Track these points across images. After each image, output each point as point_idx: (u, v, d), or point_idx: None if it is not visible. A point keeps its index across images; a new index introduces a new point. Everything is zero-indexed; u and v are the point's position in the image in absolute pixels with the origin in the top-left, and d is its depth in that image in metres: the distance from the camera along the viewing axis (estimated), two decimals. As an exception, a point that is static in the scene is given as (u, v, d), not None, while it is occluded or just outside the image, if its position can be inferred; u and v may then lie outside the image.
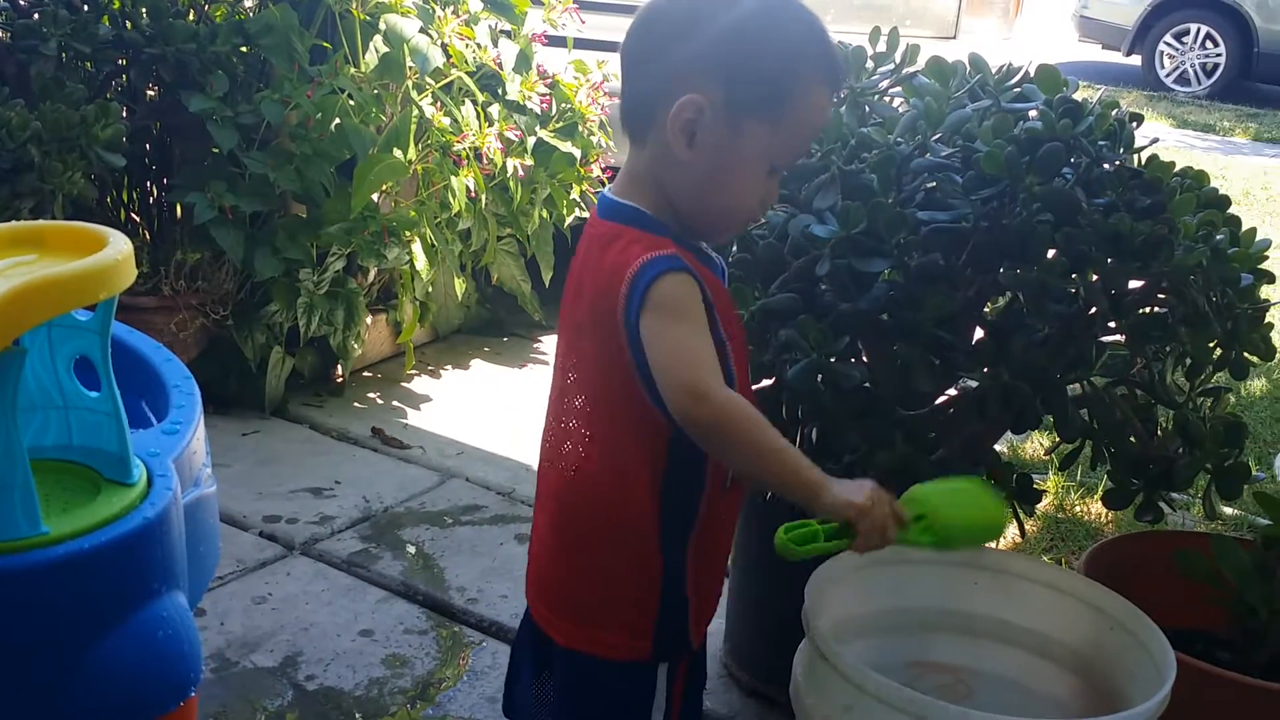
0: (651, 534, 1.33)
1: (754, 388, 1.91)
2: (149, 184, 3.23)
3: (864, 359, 1.78)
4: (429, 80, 3.06)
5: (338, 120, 2.92)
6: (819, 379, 1.67)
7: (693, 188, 1.31)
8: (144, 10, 2.94)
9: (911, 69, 1.91)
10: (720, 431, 1.24)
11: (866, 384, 1.71)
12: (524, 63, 3.32)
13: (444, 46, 3.06)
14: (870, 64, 1.93)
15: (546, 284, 3.62)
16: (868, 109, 1.89)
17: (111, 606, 1.06)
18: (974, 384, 1.67)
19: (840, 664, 1.43)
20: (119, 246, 1.09)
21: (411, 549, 2.50)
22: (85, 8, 2.95)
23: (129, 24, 2.95)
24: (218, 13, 3.18)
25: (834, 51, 1.34)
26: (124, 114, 2.93)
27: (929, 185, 1.71)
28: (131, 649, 1.07)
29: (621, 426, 1.32)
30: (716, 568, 1.45)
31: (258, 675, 2.05)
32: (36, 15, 2.87)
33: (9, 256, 1.11)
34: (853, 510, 1.25)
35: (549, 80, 3.41)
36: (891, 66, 1.93)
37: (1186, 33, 9.86)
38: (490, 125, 3.18)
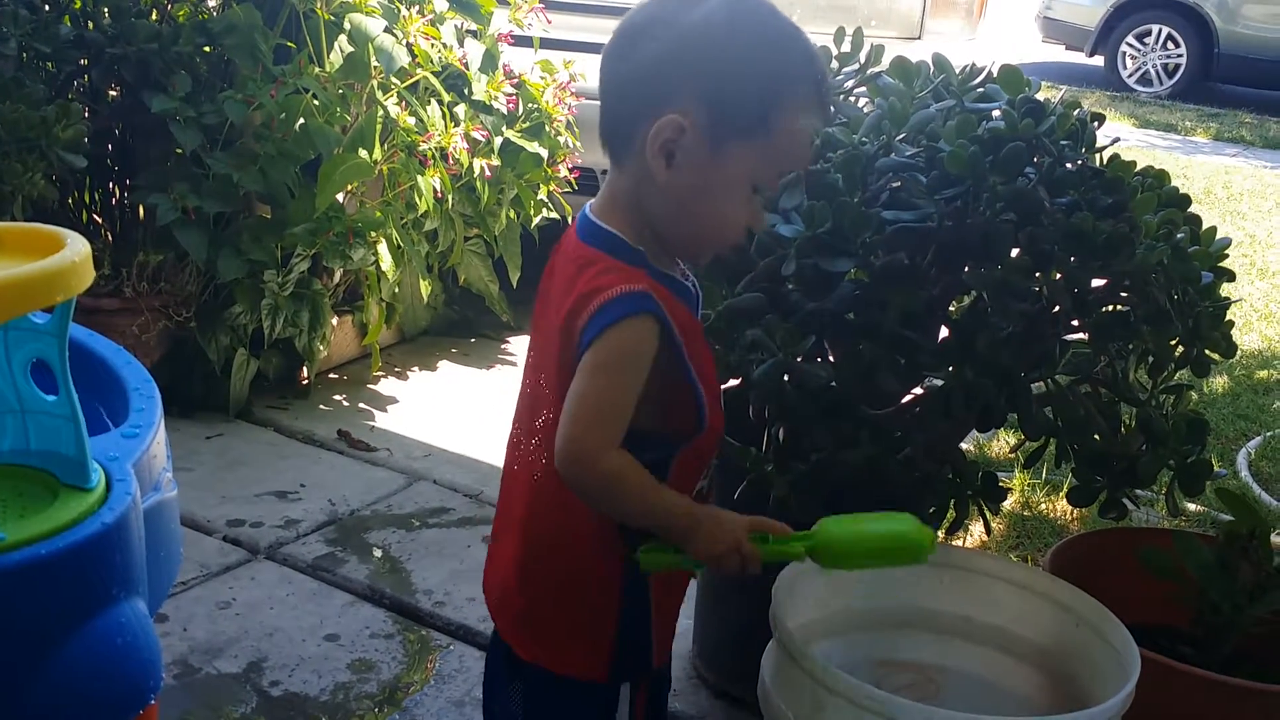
0: (613, 555, 1.32)
1: (723, 387, 1.92)
2: (111, 185, 3.20)
3: (830, 358, 1.79)
4: (394, 80, 3.04)
5: (302, 120, 2.90)
6: (785, 379, 1.67)
7: (673, 210, 1.29)
8: (106, 10, 2.91)
9: (876, 69, 1.92)
10: (599, 496, 1.26)
11: (833, 383, 1.72)
12: (490, 62, 3.31)
13: (409, 46, 3.04)
14: (835, 64, 1.94)
15: (514, 285, 3.61)
16: (833, 109, 1.89)
17: (69, 613, 1.04)
18: (939, 383, 1.68)
19: (808, 664, 1.44)
20: (76, 248, 1.07)
21: (378, 552, 2.49)
22: (46, 7, 2.92)
23: (90, 24, 2.92)
24: (180, 12, 3.15)
25: (824, 74, 1.31)
26: (86, 114, 2.90)
27: (894, 185, 1.72)
28: (89, 657, 1.05)
29: None
30: (678, 588, 1.43)
31: (221, 682, 2.03)
32: (-4, 14, 2.84)
33: (-38, 258, 1.09)
34: (712, 562, 1.28)
35: (515, 80, 3.40)
36: (856, 67, 1.94)
37: (1148, 34, 9.95)
38: (456, 125, 3.17)
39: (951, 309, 1.82)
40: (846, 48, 1.94)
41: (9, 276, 1.00)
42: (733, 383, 1.84)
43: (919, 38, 3.91)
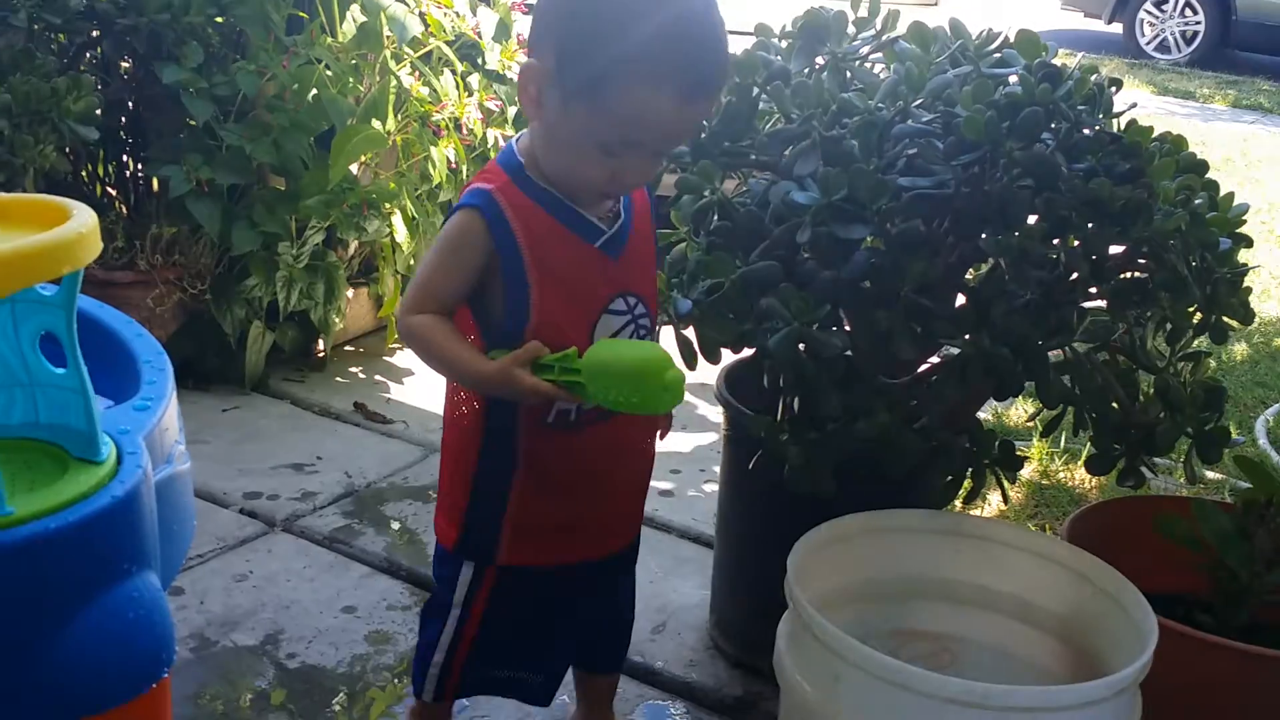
0: (473, 441, 1.52)
1: (737, 357, 1.91)
2: (124, 157, 3.19)
3: (845, 327, 1.77)
4: (407, 50, 3.02)
5: (315, 91, 2.89)
6: (800, 347, 1.66)
7: (540, 151, 1.44)
8: (116, -19, 2.90)
9: (893, 34, 1.89)
10: (410, 344, 1.48)
11: (848, 352, 1.70)
12: (504, 31, 3.29)
13: (422, 15, 3.03)
14: (851, 29, 1.91)
15: (528, 255, 3.59)
16: (849, 74, 1.87)
17: (80, 587, 1.05)
18: (956, 351, 1.66)
19: (823, 634, 1.43)
20: (83, 219, 1.07)
21: (395, 524, 2.49)
22: (56, -21, 2.91)
23: (101, -5, 2.90)
24: (191, -17, 3.13)
25: (680, 55, 1.36)
26: (97, 86, 2.89)
27: (910, 151, 1.69)
28: (101, 631, 1.05)
29: None
30: (554, 498, 1.55)
31: (238, 654, 2.03)
32: (5, -13, 2.83)
33: (-30, 231, 1.09)
34: (494, 391, 1.45)
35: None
36: (873, 32, 1.91)
37: (1166, 1, 9.83)
38: (470, 95, 3.15)
39: (968, 276, 1.80)
40: (863, 13, 1.91)
41: (14, 248, 0.99)
42: (747, 352, 1.82)
43: (936, 4, 3.87)
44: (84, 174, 3.13)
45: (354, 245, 3.25)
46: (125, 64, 3.08)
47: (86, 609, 1.04)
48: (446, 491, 1.60)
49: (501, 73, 3.27)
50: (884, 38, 1.89)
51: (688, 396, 3.20)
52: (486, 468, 1.53)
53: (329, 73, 2.90)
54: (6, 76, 2.64)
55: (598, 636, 1.75)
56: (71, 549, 1.04)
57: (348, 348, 3.37)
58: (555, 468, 1.53)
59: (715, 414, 3.10)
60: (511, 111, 3.25)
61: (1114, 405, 1.75)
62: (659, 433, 1.67)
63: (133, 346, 1.41)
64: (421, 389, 3.17)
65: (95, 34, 2.95)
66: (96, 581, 1.06)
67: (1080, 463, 2.80)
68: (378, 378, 3.22)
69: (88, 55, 3.05)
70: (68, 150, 2.83)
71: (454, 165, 3.11)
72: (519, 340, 1.42)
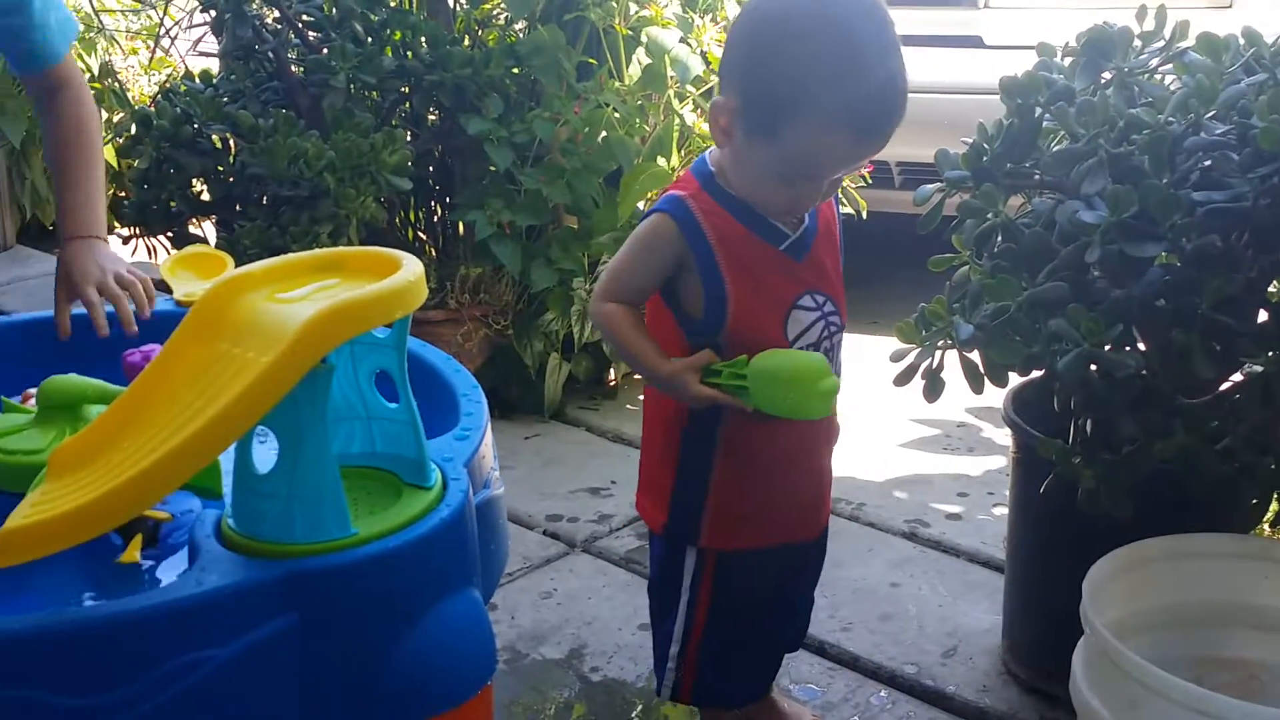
0: (675, 435, 1.64)
1: (1025, 379, 1.89)
2: (433, 204, 3.44)
3: (1139, 346, 1.73)
4: (689, 88, 3.13)
5: (604, 133, 3.03)
6: (1092, 369, 1.63)
7: (729, 171, 1.56)
8: (423, 40, 3.13)
9: (1181, 45, 1.83)
10: (599, 328, 1.64)
11: (1143, 372, 1.66)
12: (781, 63, 3.34)
13: (703, 54, 3.13)
14: (1137, 43, 1.86)
15: (811, 281, 3.63)
16: (1136, 90, 1.82)
17: (414, 601, 1.15)
18: (1259, 369, 1.59)
19: (1123, 660, 1.40)
20: (412, 269, 1.19)
21: (686, 545, 2.57)
22: (370, 40, 3.17)
23: (410, 54, 3.14)
24: (490, 37, 3.35)
25: (855, 102, 1.43)
26: (408, 139, 3.13)
27: (1204, 165, 1.64)
28: (433, 640, 1.15)
29: (663, 342, 1.59)
30: (751, 484, 1.64)
31: (546, 667, 2.16)
32: (326, 50, 3.10)
33: (314, 281, 1.22)
34: (667, 390, 1.58)
35: (806, 78, 3.42)
36: (1160, 44, 1.86)
37: None
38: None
39: (1271, 290, 1.72)
40: (1150, 25, 1.86)
41: (356, 297, 1.12)
42: (1036, 374, 1.80)
43: (1229, 6, 3.66)
44: (398, 221, 3.39)
45: (642, 277, 3.37)
46: (432, 116, 3.32)
47: (420, 621, 1.15)
48: (652, 475, 1.71)
49: (780, 103, 3.33)
50: (1173, 49, 1.84)
51: (972, 419, 3.17)
52: (690, 451, 1.64)
53: (616, 115, 3.04)
54: (330, 134, 2.90)
55: (794, 616, 1.86)
56: (407, 566, 1.15)
57: (637, 376, 3.49)
58: (755, 453, 1.63)
59: (1001, 437, 3.04)
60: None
61: None
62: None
63: (452, 381, 1.54)
64: (709, 414, 3.25)
65: (405, 90, 3.20)
66: (428, 596, 1.17)
67: None
68: (667, 404, 3.33)
69: (399, 110, 3.31)
70: (384, 200, 3.07)
71: (736, 196, 3.18)
72: (720, 334, 1.55)
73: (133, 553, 1.27)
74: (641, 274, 1.58)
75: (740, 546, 1.68)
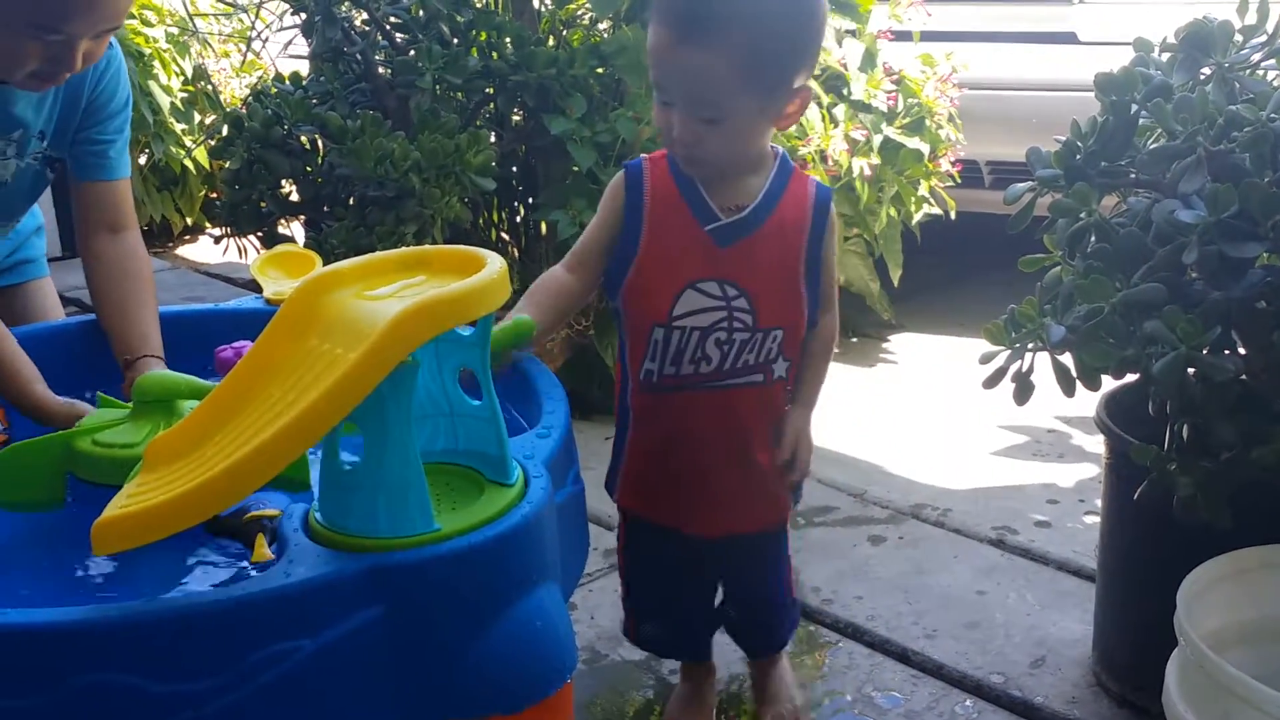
0: (620, 412, 1.76)
1: (1119, 383, 1.85)
2: (516, 204, 3.46)
3: (1238, 350, 1.68)
4: (773, 87, 3.10)
5: (686, 133, 3.02)
6: (1189, 372, 1.58)
7: None
8: (508, 40, 3.15)
9: (1287, 38, 1.78)
10: None
11: (1242, 376, 1.61)
12: (869, 61, 3.31)
13: (786, 53, 3.10)
14: (1238, 37, 1.81)
15: (895, 283, 3.59)
16: (1237, 85, 1.77)
17: (495, 596, 1.16)
18: (1368, 375, 1.54)
19: (1218, 673, 1.36)
20: (495, 267, 1.19)
21: (767, 548, 2.55)
22: (456, 42, 3.19)
23: (495, 54, 3.16)
24: (575, 37, 3.36)
25: None
26: (492, 139, 3.15)
27: (1310, 162, 1.59)
28: (514, 636, 1.15)
29: None
30: (655, 456, 1.74)
31: (625, 668, 2.15)
32: (412, 52, 3.13)
33: (401, 279, 1.23)
34: None
35: (895, 77, 3.39)
36: (1263, 38, 1.80)
37: None
38: (835, 126, 3.19)
39: (1381, 294, 1.66)
40: (1252, 19, 1.81)
41: (441, 295, 1.12)
42: (1130, 378, 1.76)
43: (1337, -2, 3.56)
44: (481, 221, 3.41)
45: (725, 278, 3.36)
46: (516, 117, 3.34)
47: (501, 616, 1.15)
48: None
49: (867, 102, 3.30)
50: (1277, 44, 1.78)
51: (1062, 426, 3.11)
52: (621, 414, 1.76)
53: (700, 114, 3.02)
54: (416, 135, 2.93)
55: (734, 618, 1.94)
56: (489, 562, 1.15)
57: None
58: (655, 419, 1.72)
59: (1092, 444, 2.98)
60: (877, 140, 3.27)
61: None
62: (786, 445, 1.75)
63: (535, 380, 1.54)
64: (791, 416, 3.22)
65: (490, 91, 3.22)
66: (509, 592, 1.17)
67: None
68: (748, 406, 3.31)
69: (484, 111, 3.33)
70: (468, 200, 3.09)
71: (820, 196, 3.16)
72: (619, 293, 1.65)
73: (262, 550, 1.29)
74: (596, 228, 1.67)
75: (638, 514, 1.82)
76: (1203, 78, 1.80)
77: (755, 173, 1.65)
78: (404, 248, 1.44)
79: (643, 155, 1.67)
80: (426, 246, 1.33)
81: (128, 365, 1.76)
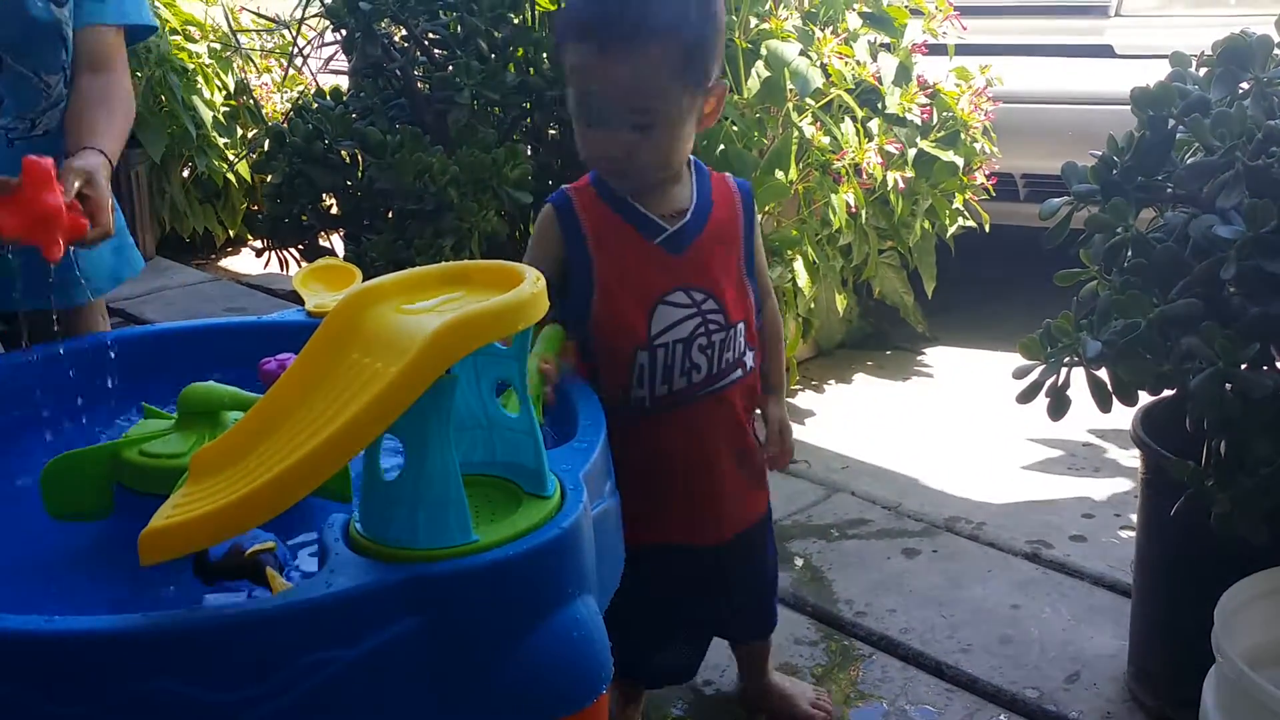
0: None
1: (1155, 398, 1.84)
2: (551, 217, 3.47)
3: (1277, 366, 1.67)
4: (809, 101, 3.12)
5: (723, 146, 3.03)
6: (1226, 388, 1.58)
7: None
8: (545, 56, 3.17)
9: (1328, 53, 1.77)
10: None
11: (1280, 393, 1.61)
12: (904, 75, 3.32)
13: (823, 66, 3.11)
14: (1277, 52, 1.81)
15: (929, 295, 3.59)
16: (1276, 100, 1.76)
17: (532, 607, 1.17)
18: (1407, 392, 1.53)
19: (1256, 691, 1.36)
20: (533, 282, 1.20)
21: (799, 561, 2.56)
22: (494, 58, 3.22)
23: (531, 70, 3.19)
24: (610, 53, 3.37)
25: (594, 5, 1.54)
26: (529, 154, 3.17)
27: (1348, 178, 1.58)
28: (551, 647, 1.16)
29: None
30: (656, 475, 1.70)
31: (660, 677, 2.16)
32: (451, 68, 3.16)
33: (441, 294, 1.24)
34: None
35: (929, 90, 3.39)
36: (1303, 52, 1.80)
37: None
38: (869, 140, 3.20)
39: None
40: (1290, 32, 1.80)
41: (480, 309, 1.14)
42: (1167, 393, 1.76)
43: (1378, 12, 3.53)
44: (517, 234, 3.43)
45: (759, 291, 3.37)
46: (552, 131, 3.36)
47: (538, 627, 1.16)
48: None
49: (902, 115, 3.30)
50: (1317, 58, 1.78)
51: (1097, 440, 3.09)
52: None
53: (735, 128, 3.04)
54: (454, 149, 2.96)
55: (729, 616, 1.91)
56: (526, 573, 1.16)
57: (754, 389, 3.48)
58: (627, 443, 1.57)
59: (1127, 458, 2.97)
60: (911, 154, 3.27)
61: None
62: (773, 434, 1.81)
63: (570, 392, 1.56)
64: (823, 429, 3.23)
65: (527, 106, 3.24)
66: (545, 603, 1.18)
67: None
68: (783, 418, 3.31)
69: (520, 126, 3.35)
70: (505, 213, 3.11)
71: (854, 210, 3.17)
72: (587, 324, 1.63)
73: (280, 581, 1.29)
74: (534, 263, 1.57)
75: (637, 542, 1.60)
76: (1240, 92, 1.79)
77: (679, 180, 1.70)
78: (444, 262, 1.45)
79: (564, 188, 1.69)
80: (466, 261, 1.35)
81: (68, 157, 1.82)
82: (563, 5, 1.56)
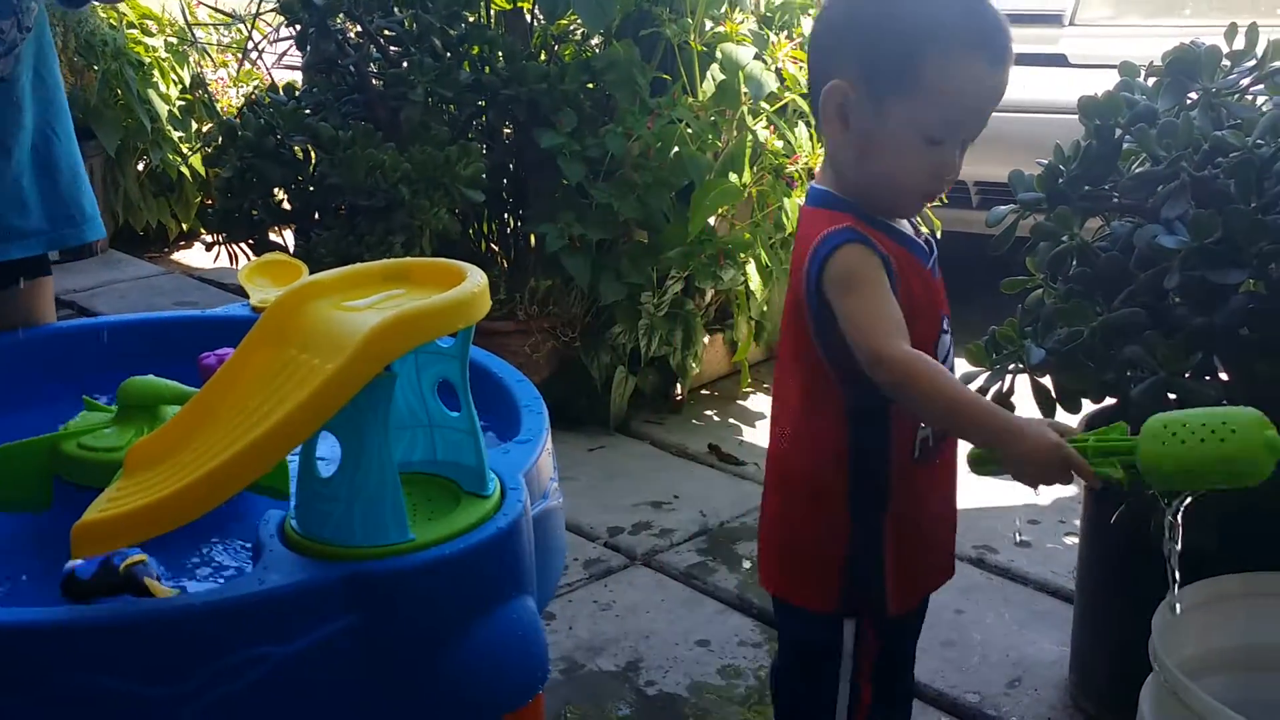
0: (840, 502, 1.42)
1: (1098, 406, 1.85)
2: (505, 216, 3.46)
3: (1220, 376, 1.68)
4: (763, 105, 3.12)
5: (676, 149, 3.03)
6: (1170, 398, 1.59)
7: (854, 167, 1.39)
8: (500, 54, 3.16)
9: (1275, 65, 1.79)
10: (903, 390, 1.31)
11: (1224, 403, 1.62)
12: (858, 82, 3.33)
13: (778, 71, 3.12)
14: (1226, 63, 1.82)
15: (883, 301, 3.59)
16: (1224, 111, 1.78)
17: (469, 607, 1.15)
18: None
19: (1193, 700, 1.36)
20: (476, 280, 1.19)
21: (746, 563, 2.56)
22: (448, 55, 3.20)
23: (486, 68, 3.17)
24: (566, 53, 3.37)
25: (984, 20, 1.36)
26: (483, 152, 3.16)
27: (1291, 190, 1.60)
28: (487, 647, 1.15)
29: (811, 399, 1.43)
30: (923, 540, 1.48)
31: (602, 678, 2.15)
32: (405, 64, 3.14)
33: (381, 290, 1.23)
34: (1030, 470, 1.31)
35: (883, 97, 3.40)
36: (1252, 63, 1.82)
37: None
38: (823, 145, 3.21)
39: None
40: (1240, 44, 1.82)
41: (420, 307, 1.12)
42: (1109, 402, 1.77)
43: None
44: (470, 232, 3.42)
45: (710, 293, 3.37)
46: (507, 130, 3.35)
47: (475, 627, 1.15)
48: (803, 549, 1.48)
49: (856, 122, 3.31)
50: (1265, 69, 1.79)
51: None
52: (862, 518, 1.42)
53: (689, 131, 3.04)
54: (406, 146, 2.94)
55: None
56: (464, 572, 1.15)
57: (703, 391, 3.49)
58: (921, 498, 1.45)
59: (1078, 464, 2.99)
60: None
61: None
62: None
63: (514, 392, 1.54)
64: (776, 433, 3.23)
65: (481, 104, 3.23)
66: (483, 602, 1.16)
67: None
68: (731, 420, 3.32)
69: (475, 124, 3.34)
70: (457, 211, 3.10)
71: (809, 214, 3.17)
72: (887, 407, 1.37)
73: (163, 589, 1.24)
74: (890, 301, 1.34)
75: (911, 608, 1.51)
76: (1188, 103, 1.81)
77: None
78: (386, 259, 1.44)
79: (840, 226, 1.35)
80: (408, 258, 1.33)
81: None
82: (958, 22, 1.35)
